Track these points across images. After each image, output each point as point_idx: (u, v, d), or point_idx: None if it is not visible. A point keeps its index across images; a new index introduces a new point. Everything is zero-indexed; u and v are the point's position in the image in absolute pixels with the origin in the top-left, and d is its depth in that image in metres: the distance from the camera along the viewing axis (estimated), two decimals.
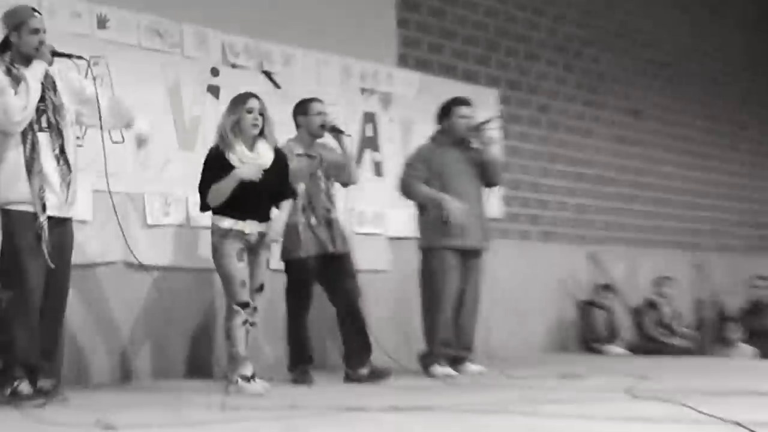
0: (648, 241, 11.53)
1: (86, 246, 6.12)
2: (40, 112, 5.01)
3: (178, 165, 6.91)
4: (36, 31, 5.05)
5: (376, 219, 7.76)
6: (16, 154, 4.94)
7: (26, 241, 4.92)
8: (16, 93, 4.88)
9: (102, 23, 6.60)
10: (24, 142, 4.94)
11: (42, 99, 5.04)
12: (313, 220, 6.39)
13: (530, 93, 10.16)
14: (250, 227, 5.76)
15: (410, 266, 7.32)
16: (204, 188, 5.77)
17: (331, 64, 8.02)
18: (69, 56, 5.23)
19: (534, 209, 10.09)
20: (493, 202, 9.10)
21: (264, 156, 5.78)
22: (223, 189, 5.66)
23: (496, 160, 7.27)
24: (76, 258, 5.43)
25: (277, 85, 7.51)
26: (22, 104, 4.87)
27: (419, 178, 6.94)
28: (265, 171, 5.73)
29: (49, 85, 5.11)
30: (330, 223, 6.49)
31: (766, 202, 13.85)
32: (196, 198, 6.70)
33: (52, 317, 5.16)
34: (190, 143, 7.03)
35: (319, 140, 6.60)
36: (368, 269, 7.42)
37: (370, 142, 8.36)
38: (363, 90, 8.27)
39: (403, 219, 7.86)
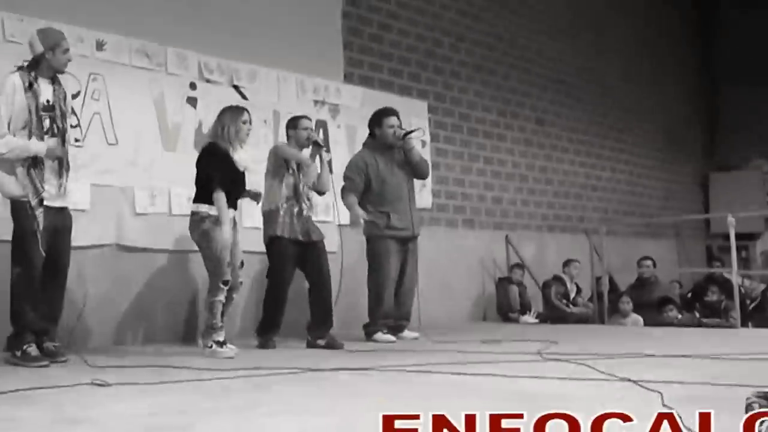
0: (553, 226, 11.67)
1: (85, 231, 6.09)
2: (50, 119, 5.03)
3: (162, 163, 6.91)
4: (67, 51, 5.10)
5: (326, 209, 7.75)
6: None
7: (30, 228, 4.94)
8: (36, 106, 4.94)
9: (100, 46, 6.58)
10: None
11: (52, 108, 5.05)
12: (295, 209, 6.37)
13: (454, 104, 10.17)
14: (232, 214, 5.82)
15: (357, 248, 7.37)
16: (212, 177, 5.66)
17: (289, 80, 8.02)
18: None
19: (458, 201, 10.12)
20: (425, 195, 9.22)
21: (246, 158, 5.87)
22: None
23: (422, 160, 7.20)
24: (76, 241, 5.45)
25: (244, 97, 7.49)
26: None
27: (353, 190, 6.91)
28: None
29: (60, 95, 5.13)
30: (308, 218, 6.47)
31: (648, 195, 14.09)
32: (177, 191, 6.75)
33: (56, 289, 5.18)
34: (172, 145, 7.03)
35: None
36: None
37: None
38: (315, 102, 8.24)
39: None
